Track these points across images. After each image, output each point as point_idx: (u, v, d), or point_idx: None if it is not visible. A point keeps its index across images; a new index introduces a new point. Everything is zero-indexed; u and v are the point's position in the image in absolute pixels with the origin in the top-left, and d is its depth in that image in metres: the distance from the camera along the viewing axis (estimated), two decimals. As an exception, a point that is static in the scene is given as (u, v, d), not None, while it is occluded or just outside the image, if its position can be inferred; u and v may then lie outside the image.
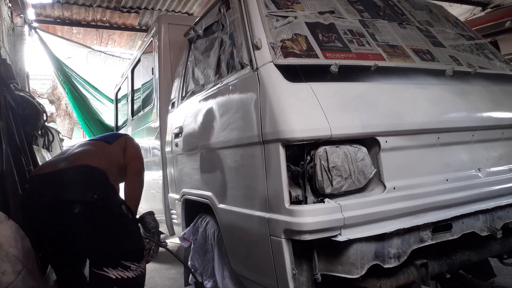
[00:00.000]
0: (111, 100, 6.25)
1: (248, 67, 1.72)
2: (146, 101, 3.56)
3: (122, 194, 2.01)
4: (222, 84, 1.96)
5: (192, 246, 2.40)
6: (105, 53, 6.91)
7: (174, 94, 2.78)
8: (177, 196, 2.64)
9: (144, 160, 3.44)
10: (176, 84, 2.78)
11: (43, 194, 1.73)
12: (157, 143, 3.07)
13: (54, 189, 1.72)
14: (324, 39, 1.79)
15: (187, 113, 2.45)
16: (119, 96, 5.35)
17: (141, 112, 3.71)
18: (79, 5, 5.75)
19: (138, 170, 2.08)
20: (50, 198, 1.70)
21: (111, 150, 2.06)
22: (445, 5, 3.97)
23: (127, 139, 2.20)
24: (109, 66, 6.79)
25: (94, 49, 6.81)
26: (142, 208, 2.57)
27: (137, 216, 2.05)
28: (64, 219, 1.65)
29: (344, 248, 1.41)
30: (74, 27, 6.61)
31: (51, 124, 6.43)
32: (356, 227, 1.45)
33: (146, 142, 3.43)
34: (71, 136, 8.55)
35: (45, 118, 4.21)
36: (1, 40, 4.28)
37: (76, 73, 6.39)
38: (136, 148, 2.19)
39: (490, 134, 1.89)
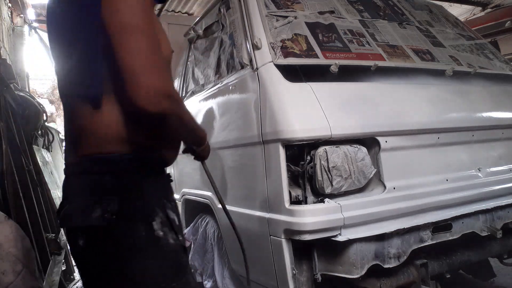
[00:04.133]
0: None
1: (248, 67, 1.72)
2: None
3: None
4: (222, 84, 1.96)
5: (192, 246, 2.40)
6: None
7: (174, 94, 2.78)
8: (177, 196, 2.64)
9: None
10: (176, 84, 2.78)
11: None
12: (157, 143, 3.06)
13: (64, 200, 1.04)
14: (324, 39, 1.79)
15: (187, 113, 2.45)
16: (119, 96, 5.34)
17: (141, 112, 3.70)
18: (79, 5, 5.74)
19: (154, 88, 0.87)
20: (63, 217, 1.03)
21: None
22: (445, 5, 3.97)
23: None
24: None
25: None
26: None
27: None
28: (76, 258, 1.03)
29: (344, 248, 1.41)
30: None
31: (51, 124, 6.43)
32: (356, 227, 1.45)
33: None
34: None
35: (45, 118, 4.22)
36: (1, 40, 4.28)
37: (76, 73, 6.38)
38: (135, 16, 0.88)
39: (490, 134, 1.89)
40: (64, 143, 1.19)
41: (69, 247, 1.09)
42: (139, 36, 0.86)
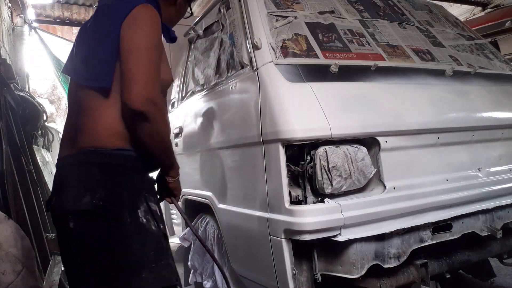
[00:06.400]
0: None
1: (248, 67, 1.72)
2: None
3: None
4: (222, 84, 1.96)
5: (192, 246, 2.40)
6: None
7: (174, 94, 2.78)
8: (177, 196, 2.64)
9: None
10: (176, 84, 2.78)
11: (52, 197, 1.22)
12: (157, 143, 3.06)
13: (55, 190, 1.20)
14: (324, 39, 1.79)
15: (187, 113, 2.45)
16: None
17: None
18: (79, 5, 5.75)
19: (140, 104, 1.07)
20: (54, 205, 1.19)
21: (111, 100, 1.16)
22: (445, 5, 3.97)
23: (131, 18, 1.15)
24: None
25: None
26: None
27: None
28: (63, 239, 1.17)
29: (344, 248, 1.41)
30: (74, 27, 6.61)
31: (51, 124, 6.43)
32: (356, 227, 1.45)
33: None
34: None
35: (45, 118, 4.22)
36: (1, 40, 4.28)
37: (76, 73, 6.38)
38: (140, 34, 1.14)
39: (490, 134, 1.89)
40: (61, 139, 1.31)
41: (56, 232, 1.21)
42: (146, 55, 1.13)
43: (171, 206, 2.85)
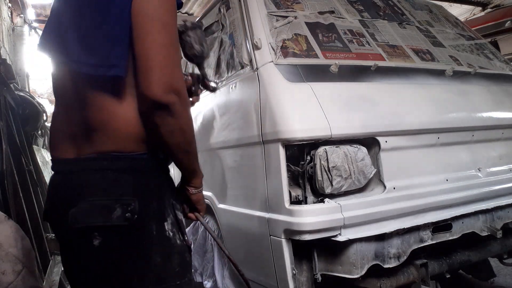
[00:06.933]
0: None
1: (248, 67, 1.72)
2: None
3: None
4: (222, 84, 1.96)
5: (192, 246, 2.40)
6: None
7: (174, 94, 2.78)
8: (177, 196, 2.64)
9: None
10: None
11: (56, 209, 1.01)
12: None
13: (62, 201, 0.98)
14: (324, 39, 1.79)
15: (187, 113, 2.45)
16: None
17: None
18: (79, 5, 5.74)
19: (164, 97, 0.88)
20: (61, 219, 0.97)
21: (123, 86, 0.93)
22: (445, 5, 3.97)
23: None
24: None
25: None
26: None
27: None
28: (79, 257, 0.98)
29: (344, 248, 1.41)
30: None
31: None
32: (356, 227, 1.45)
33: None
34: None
35: (45, 118, 4.21)
36: (1, 40, 4.28)
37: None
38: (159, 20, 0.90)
39: (490, 134, 1.89)
40: (52, 137, 1.06)
41: (65, 248, 1.03)
42: (166, 32, 0.89)
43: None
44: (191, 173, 1.11)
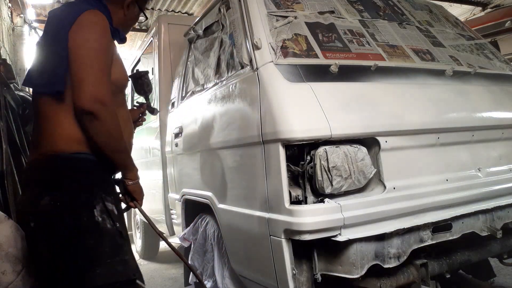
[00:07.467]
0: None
1: (248, 67, 1.72)
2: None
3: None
4: (222, 84, 1.96)
5: (192, 246, 2.40)
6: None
7: (174, 94, 2.78)
8: (177, 196, 2.64)
9: (144, 160, 3.47)
10: (176, 84, 2.78)
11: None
12: (157, 143, 3.07)
13: (21, 192, 1.37)
14: (324, 39, 1.79)
15: (187, 113, 2.45)
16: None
17: (141, 112, 3.71)
18: (79, 5, 5.73)
19: (86, 103, 1.17)
20: (17, 205, 1.36)
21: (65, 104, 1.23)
22: (445, 5, 3.97)
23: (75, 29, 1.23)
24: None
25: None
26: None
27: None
28: (27, 236, 1.30)
29: (344, 248, 1.41)
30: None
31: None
32: (356, 227, 1.45)
33: (146, 142, 3.43)
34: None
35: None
36: (1, 40, 4.28)
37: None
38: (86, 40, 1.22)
39: (490, 134, 1.89)
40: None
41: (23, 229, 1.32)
42: (92, 56, 1.21)
43: (171, 206, 2.85)
44: (124, 168, 1.40)
